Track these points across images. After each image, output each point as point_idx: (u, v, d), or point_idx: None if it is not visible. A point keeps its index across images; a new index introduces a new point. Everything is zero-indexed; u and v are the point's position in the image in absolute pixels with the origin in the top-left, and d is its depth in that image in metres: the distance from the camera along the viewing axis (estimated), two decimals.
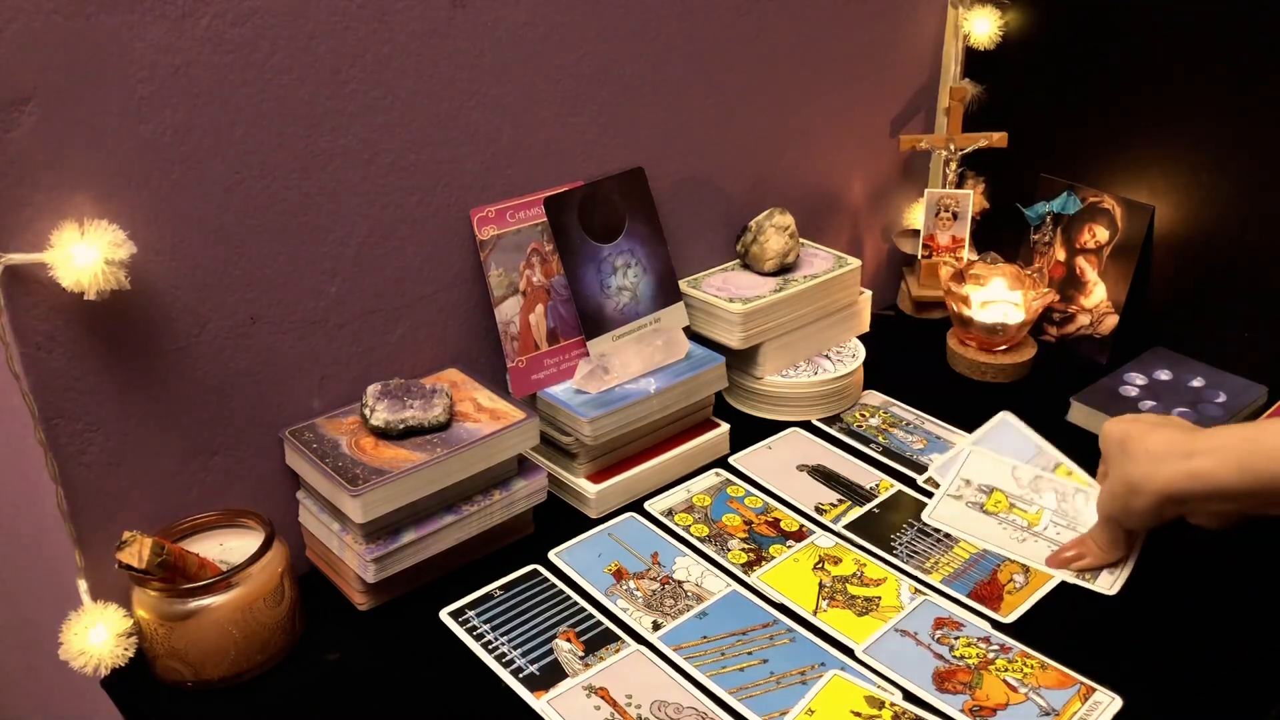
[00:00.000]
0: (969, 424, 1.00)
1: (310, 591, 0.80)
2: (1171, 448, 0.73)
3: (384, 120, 0.79)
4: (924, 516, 0.86)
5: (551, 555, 0.84)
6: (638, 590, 0.80)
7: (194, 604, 0.70)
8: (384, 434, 0.79)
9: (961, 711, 0.69)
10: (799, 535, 0.86)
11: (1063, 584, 0.80)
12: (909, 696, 0.70)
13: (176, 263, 0.72)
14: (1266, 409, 0.99)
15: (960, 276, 1.12)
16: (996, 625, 0.76)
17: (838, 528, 0.87)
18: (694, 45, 0.98)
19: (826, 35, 1.09)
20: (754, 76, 1.04)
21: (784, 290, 1.00)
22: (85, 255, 0.64)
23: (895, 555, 0.83)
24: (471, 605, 0.79)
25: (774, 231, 1.02)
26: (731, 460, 0.96)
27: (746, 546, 0.85)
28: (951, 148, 1.16)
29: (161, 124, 0.69)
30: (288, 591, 0.74)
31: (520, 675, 0.72)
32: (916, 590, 0.79)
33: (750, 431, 1.00)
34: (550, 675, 0.72)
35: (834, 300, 1.04)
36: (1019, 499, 0.86)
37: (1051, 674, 0.71)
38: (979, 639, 0.74)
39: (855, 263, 1.05)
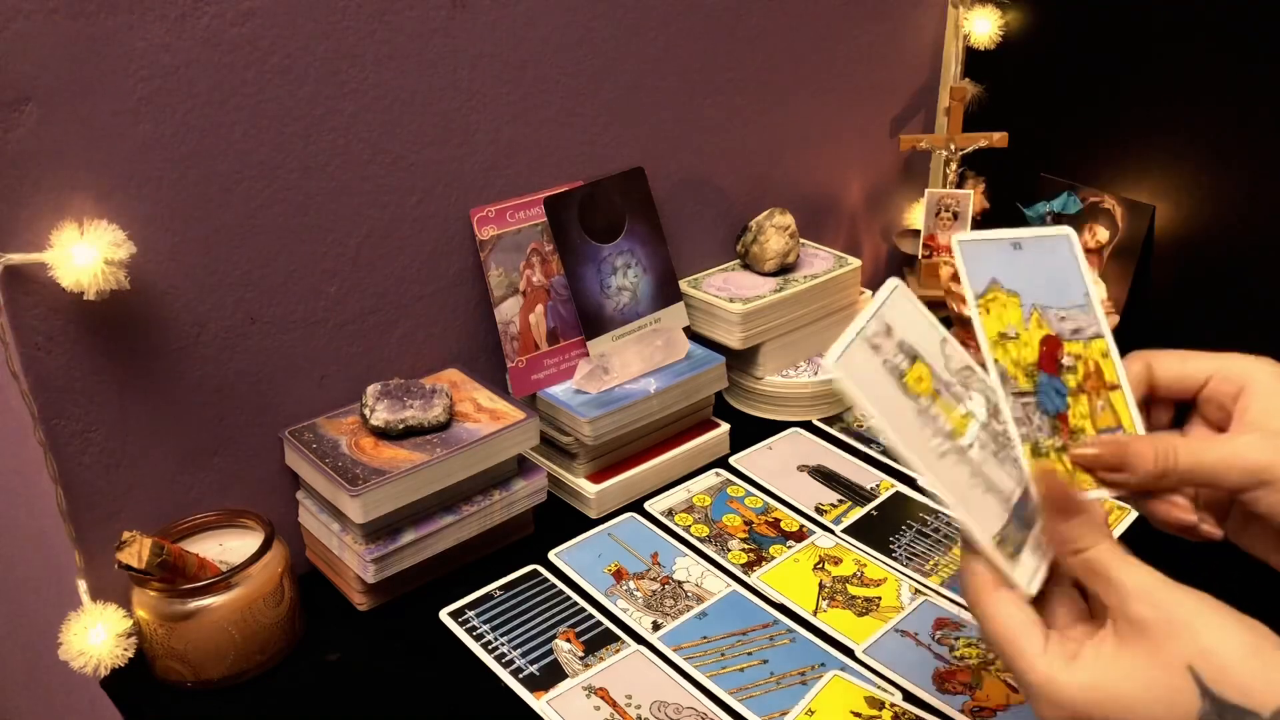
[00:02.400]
0: None
1: (310, 591, 0.80)
2: None
3: (384, 120, 0.79)
4: (825, 363, 0.55)
5: (551, 555, 0.84)
6: (638, 590, 0.80)
7: (194, 604, 0.70)
8: (384, 434, 0.79)
9: (962, 712, 0.68)
10: (799, 535, 0.86)
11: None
12: (909, 697, 0.70)
13: (176, 263, 0.72)
14: None
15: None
16: None
17: (838, 529, 0.87)
18: (694, 45, 0.98)
19: (826, 35, 1.09)
20: (754, 76, 1.04)
21: (784, 290, 1.00)
22: (85, 255, 0.64)
23: (895, 558, 0.83)
24: (471, 605, 0.79)
25: (774, 231, 1.02)
26: (732, 460, 0.96)
27: (746, 547, 0.85)
28: (952, 148, 1.16)
29: (161, 124, 0.69)
30: (287, 591, 0.74)
31: (520, 675, 0.72)
32: (917, 590, 0.79)
33: (750, 431, 1.00)
34: (550, 675, 0.72)
35: (834, 300, 1.04)
36: (945, 387, 0.57)
37: None
38: (979, 639, 0.74)
39: (855, 263, 1.05)
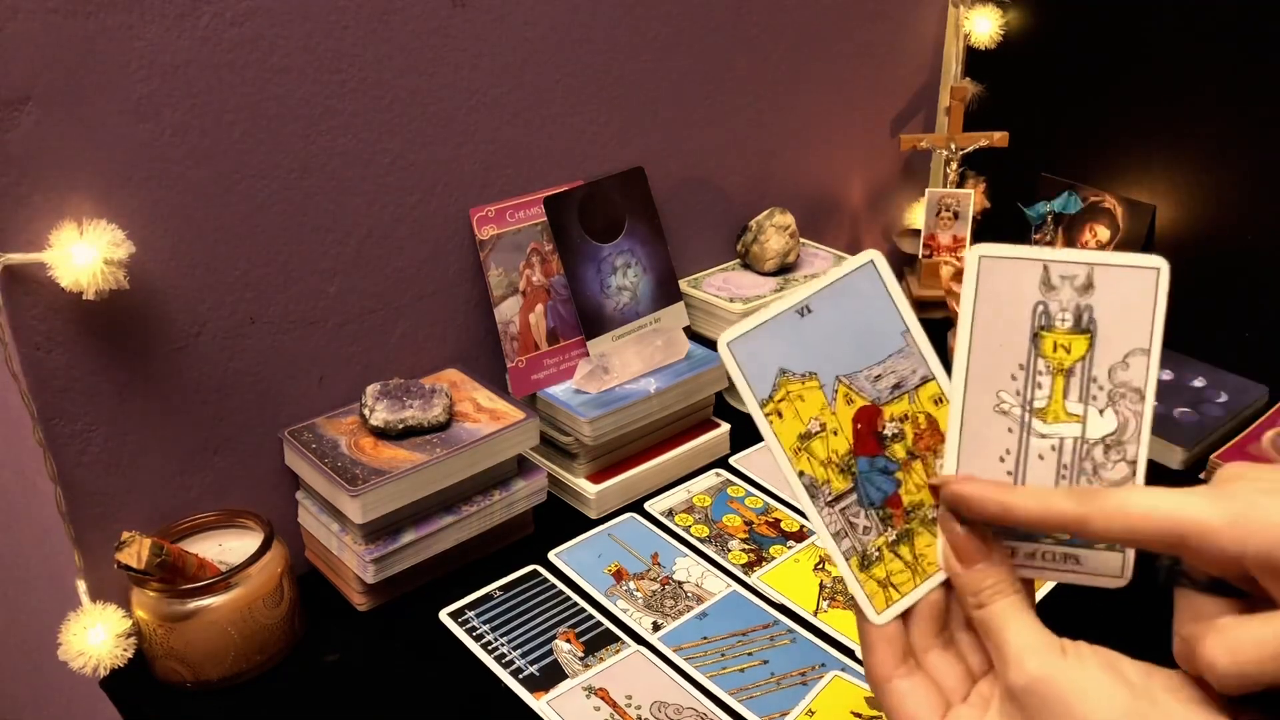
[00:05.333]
0: None
1: (310, 591, 0.80)
2: None
3: (384, 120, 0.79)
4: (970, 254, 0.51)
5: (551, 555, 0.84)
6: (638, 591, 0.80)
7: (193, 604, 0.70)
8: (383, 434, 0.79)
9: None
10: (799, 536, 0.86)
11: (1062, 583, 0.79)
12: None
13: (176, 263, 0.72)
14: (1267, 409, 0.99)
15: (961, 276, 1.11)
16: None
17: None
18: (694, 45, 0.98)
19: (827, 35, 1.09)
20: (754, 76, 1.04)
21: (784, 290, 1.00)
22: (84, 255, 0.64)
23: None
24: (471, 606, 0.79)
25: (774, 231, 1.02)
26: (732, 460, 0.96)
27: (747, 547, 0.85)
28: (952, 147, 1.16)
29: (161, 123, 0.69)
30: (287, 592, 0.74)
31: (520, 676, 0.72)
32: None
33: (750, 431, 1.00)
34: (550, 676, 0.72)
35: None
36: (1088, 380, 0.49)
37: None
38: None
39: None
